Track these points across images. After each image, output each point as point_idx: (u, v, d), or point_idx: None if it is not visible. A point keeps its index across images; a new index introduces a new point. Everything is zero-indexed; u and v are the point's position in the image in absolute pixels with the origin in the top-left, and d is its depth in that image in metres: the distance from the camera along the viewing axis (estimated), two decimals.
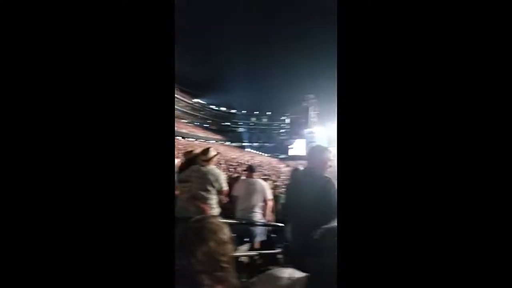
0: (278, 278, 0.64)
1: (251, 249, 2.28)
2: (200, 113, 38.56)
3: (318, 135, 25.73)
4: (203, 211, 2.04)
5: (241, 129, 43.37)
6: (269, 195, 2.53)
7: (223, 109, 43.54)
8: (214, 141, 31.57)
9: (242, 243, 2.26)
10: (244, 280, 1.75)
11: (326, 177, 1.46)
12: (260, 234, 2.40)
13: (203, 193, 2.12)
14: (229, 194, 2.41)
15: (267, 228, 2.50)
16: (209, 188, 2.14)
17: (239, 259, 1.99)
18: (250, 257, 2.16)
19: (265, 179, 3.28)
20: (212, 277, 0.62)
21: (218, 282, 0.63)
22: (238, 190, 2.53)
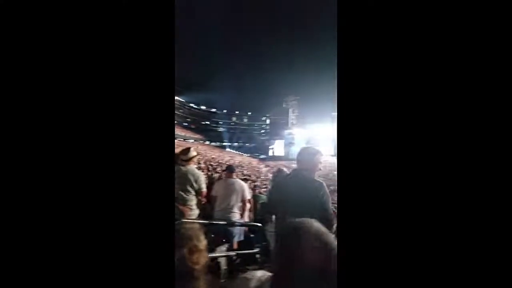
0: (248, 281, 0.64)
1: (229, 249, 2.28)
2: (179, 112, 37.44)
3: (297, 136, 26.31)
4: (182, 213, 2.00)
5: (221, 129, 42.90)
6: (248, 195, 2.54)
7: (203, 107, 42.76)
8: (193, 140, 30.87)
9: (220, 243, 2.25)
10: (222, 281, 1.75)
11: (318, 180, 1.42)
12: (238, 234, 2.40)
13: (182, 193, 2.07)
14: (208, 195, 2.39)
15: (245, 228, 2.51)
16: (189, 188, 2.09)
17: (217, 260, 1.98)
18: (229, 257, 2.15)
19: (244, 179, 3.28)
20: (182, 283, 0.61)
21: None
22: (217, 190, 2.51)
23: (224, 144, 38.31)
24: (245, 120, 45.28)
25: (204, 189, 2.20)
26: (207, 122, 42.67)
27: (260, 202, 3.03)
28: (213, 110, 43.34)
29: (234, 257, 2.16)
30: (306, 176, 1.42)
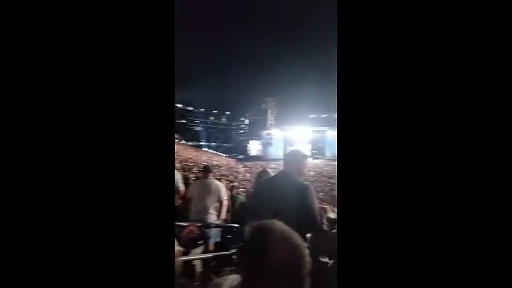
0: (220, 286, 0.62)
1: (205, 251, 2.22)
2: None
3: (276, 137, 26.69)
4: None
5: (198, 128, 41.94)
6: (225, 195, 2.51)
7: (179, 105, 41.43)
8: None
9: (196, 245, 2.19)
10: (197, 283, 1.70)
11: (306, 183, 1.42)
12: (214, 235, 2.36)
13: None
14: (184, 195, 2.31)
15: (222, 229, 2.48)
16: None
17: (192, 263, 1.92)
18: (204, 259, 2.10)
19: (220, 179, 3.24)
20: None
21: None
22: (193, 191, 2.45)
23: (201, 143, 37.50)
24: (224, 119, 44.81)
25: (182, 188, 2.12)
26: (183, 121, 41.43)
27: (238, 202, 3.01)
28: (190, 108, 42.22)
29: (210, 259, 2.11)
30: (293, 178, 1.42)
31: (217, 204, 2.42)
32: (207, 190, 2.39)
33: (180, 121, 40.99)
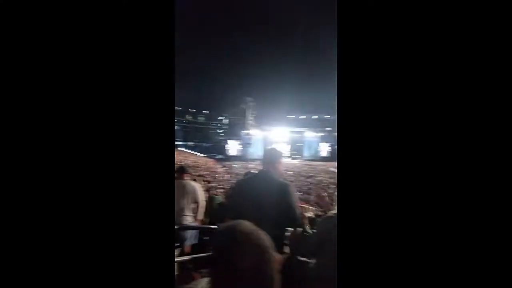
0: None
1: (181, 254, 2.14)
2: None
3: (254, 137, 26.78)
4: None
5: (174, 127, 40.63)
6: (201, 196, 2.44)
7: None
8: None
9: None
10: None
11: (286, 181, 1.45)
12: (190, 238, 2.28)
13: None
14: None
15: (199, 231, 2.40)
16: None
17: None
18: (180, 262, 2.02)
19: (196, 180, 3.15)
20: None
21: None
22: None
23: (177, 142, 36.38)
24: (201, 118, 43.90)
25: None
26: None
27: (217, 203, 2.94)
28: None
29: (186, 262, 2.04)
30: (273, 176, 1.44)
31: (194, 206, 2.35)
32: (182, 191, 2.31)
33: None
